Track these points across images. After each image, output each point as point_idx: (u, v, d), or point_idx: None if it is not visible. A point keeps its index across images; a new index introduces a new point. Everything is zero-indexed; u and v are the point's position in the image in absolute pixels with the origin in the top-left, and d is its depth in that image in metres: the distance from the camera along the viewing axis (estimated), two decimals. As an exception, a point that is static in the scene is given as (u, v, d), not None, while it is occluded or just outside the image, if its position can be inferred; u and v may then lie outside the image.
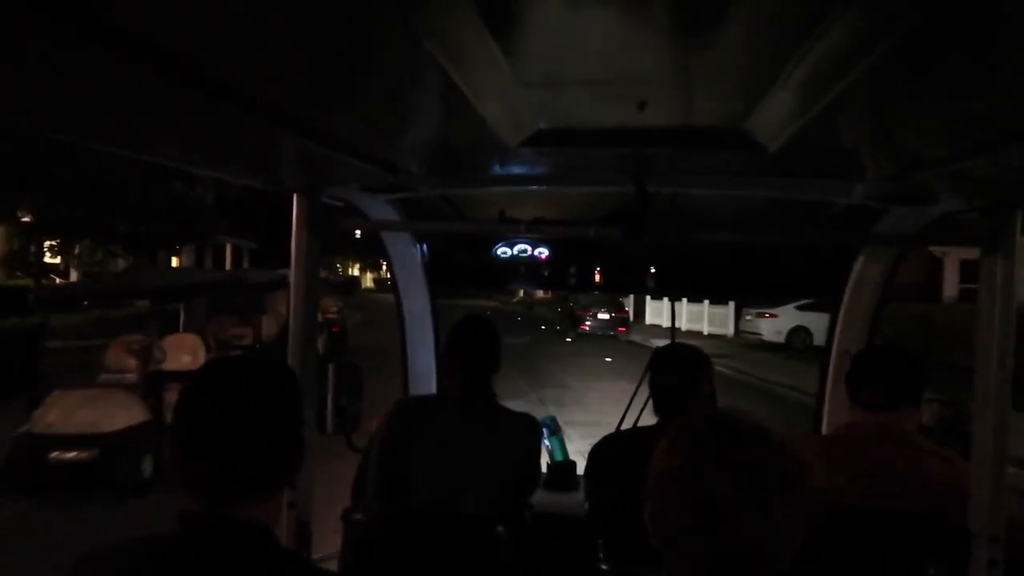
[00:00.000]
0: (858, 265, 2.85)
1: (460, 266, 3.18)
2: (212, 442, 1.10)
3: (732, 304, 25.28)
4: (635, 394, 2.90)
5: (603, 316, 25.44)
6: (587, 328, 25.52)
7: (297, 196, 2.07)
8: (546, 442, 3.13)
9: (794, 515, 1.01)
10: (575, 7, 0.96)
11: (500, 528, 1.97)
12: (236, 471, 1.11)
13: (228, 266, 32.89)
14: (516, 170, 1.98)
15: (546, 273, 2.98)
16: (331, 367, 2.50)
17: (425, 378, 3.26)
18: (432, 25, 0.98)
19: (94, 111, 1.32)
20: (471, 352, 2.20)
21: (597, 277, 3.06)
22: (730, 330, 26.04)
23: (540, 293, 39.74)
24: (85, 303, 13.38)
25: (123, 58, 0.98)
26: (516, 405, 2.37)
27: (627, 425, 2.75)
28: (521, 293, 46.10)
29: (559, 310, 30.96)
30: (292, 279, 2.10)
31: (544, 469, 3.08)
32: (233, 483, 1.11)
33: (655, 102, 1.35)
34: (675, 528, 1.03)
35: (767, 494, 1.00)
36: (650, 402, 2.43)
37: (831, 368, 3.05)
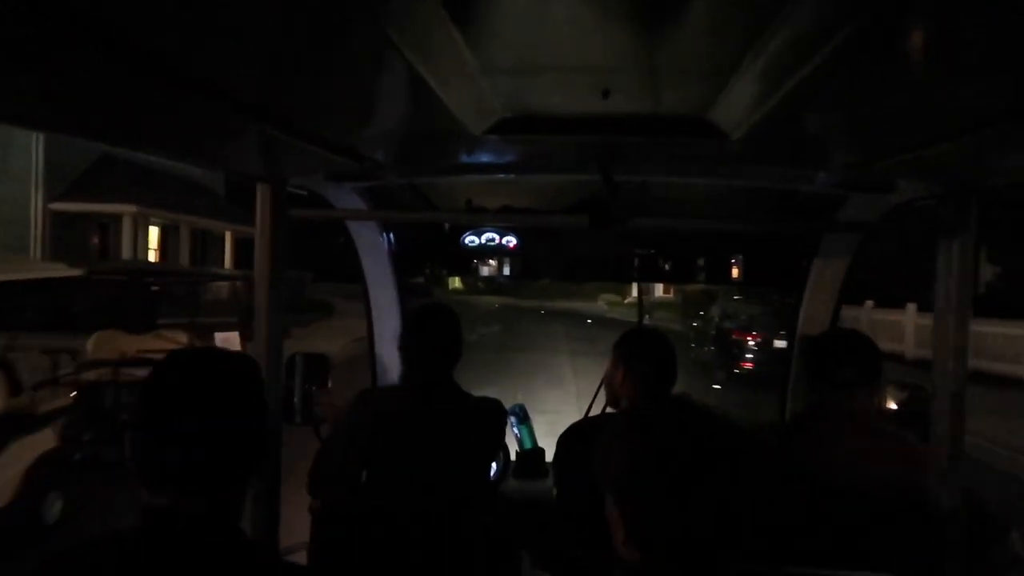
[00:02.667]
0: (821, 252, 2.90)
1: (428, 255, 3.17)
2: (173, 435, 1.09)
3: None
4: (603, 380, 2.92)
5: (783, 344, 12.90)
6: (752, 366, 14.09)
7: (260, 185, 2.04)
8: (515, 430, 3.14)
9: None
10: None
11: (469, 517, 1.97)
12: (198, 464, 1.09)
13: (228, 262, 26.73)
14: (482, 158, 1.97)
15: (514, 261, 2.99)
16: (298, 357, 2.47)
17: (393, 368, 3.25)
18: (394, 11, 0.97)
19: (49, 96, 1.29)
20: (429, 340, 2.18)
21: (565, 265, 3.07)
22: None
23: (660, 291, 31.21)
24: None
25: (80, 44, 0.96)
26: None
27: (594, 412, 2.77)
28: (634, 291, 38.35)
29: (694, 325, 18.62)
30: (256, 270, 2.07)
31: (513, 457, 3.09)
32: (195, 476, 1.10)
33: (619, 90, 1.35)
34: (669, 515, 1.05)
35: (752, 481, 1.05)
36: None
37: (794, 354, 3.11)
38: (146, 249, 22.83)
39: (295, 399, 2.39)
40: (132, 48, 1.01)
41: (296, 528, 2.25)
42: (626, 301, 36.07)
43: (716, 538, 1.03)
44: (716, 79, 1.29)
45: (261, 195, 2.04)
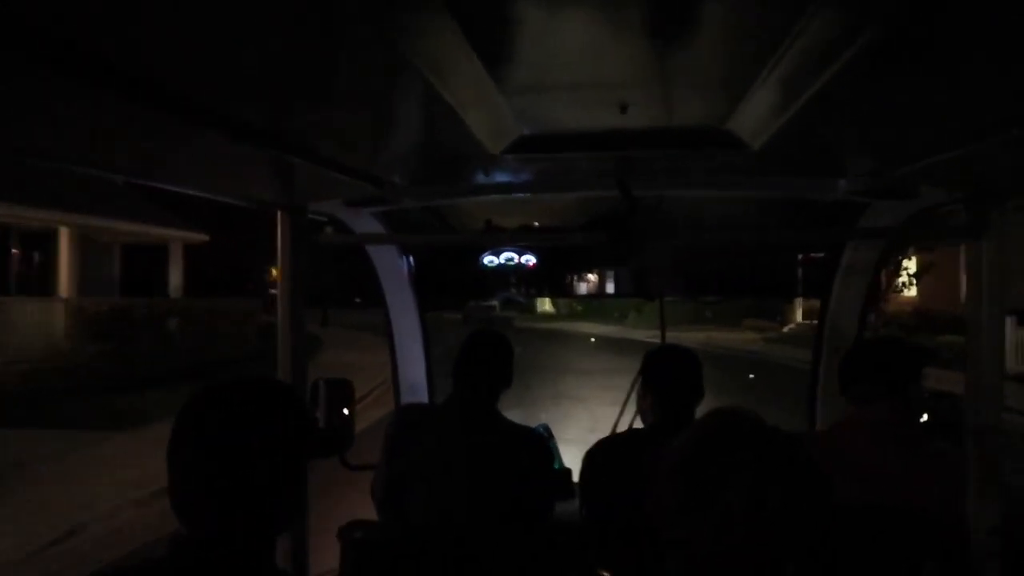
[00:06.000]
0: (844, 260, 2.87)
1: (448, 277, 3.17)
2: (204, 468, 1.09)
3: None
4: (629, 396, 2.90)
5: None
6: None
7: (281, 213, 2.06)
8: None
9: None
10: (553, 14, 0.96)
11: (499, 543, 1.95)
12: (228, 497, 1.09)
13: (175, 278, 18.18)
14: (500, 178, 1.98)
15: (534, 281, 2.99)
16: (322, 384, 2.48)
17: (416, 391, 3.24)
18: (410, 35, 0.98)
19: (75, 135, 1.31)
20: (475, 365, 2.24)
21: (586, 283, 3.07)
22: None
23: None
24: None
25: (99, 80, 0.98)
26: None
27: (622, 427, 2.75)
28: (799, 315, 26.26)
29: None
30: (279, 297, 2.09)
31: None
32: (226, 508, 1.09)
33: (637, 104, 1.35)
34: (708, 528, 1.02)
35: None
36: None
37: (822, 364, 3.06)
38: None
39: (320, 425, 2.39)
40: (148, 82, 1.03)
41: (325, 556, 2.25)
42: (786, 329, 25.93)
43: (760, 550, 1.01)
44: (734, 91, 1.28)
45: (282, 222, 2.06)
